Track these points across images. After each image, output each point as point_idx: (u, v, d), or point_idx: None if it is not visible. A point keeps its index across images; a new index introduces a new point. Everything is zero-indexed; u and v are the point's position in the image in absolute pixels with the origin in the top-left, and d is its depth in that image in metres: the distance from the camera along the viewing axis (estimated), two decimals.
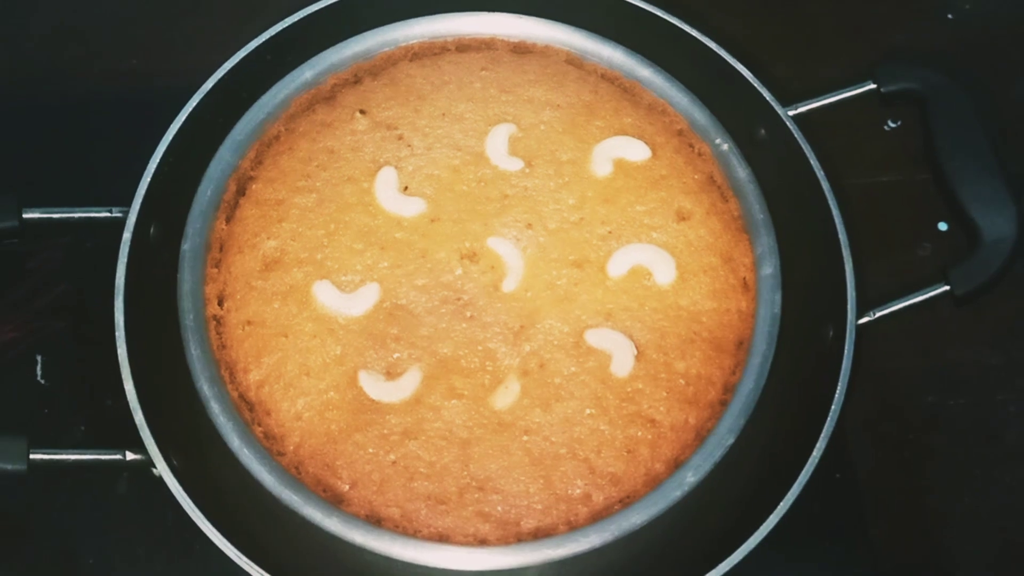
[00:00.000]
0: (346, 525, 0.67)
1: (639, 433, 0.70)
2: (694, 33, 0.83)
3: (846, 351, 0.74)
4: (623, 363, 0.71)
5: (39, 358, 0.82)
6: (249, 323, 0.73)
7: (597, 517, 0.68)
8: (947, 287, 0.77)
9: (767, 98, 0.81)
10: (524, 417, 0.70)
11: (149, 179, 0.77)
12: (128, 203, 0.76)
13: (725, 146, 0.79)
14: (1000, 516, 0.80)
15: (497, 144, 0.77)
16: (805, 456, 0.71)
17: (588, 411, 0.70)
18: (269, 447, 0.70)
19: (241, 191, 0.77)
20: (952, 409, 0.83)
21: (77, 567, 0.76)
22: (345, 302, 0.72)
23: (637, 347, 0.72)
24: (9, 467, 0.70)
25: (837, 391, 0.73)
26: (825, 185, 0.78)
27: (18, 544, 0.77)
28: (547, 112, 0.78)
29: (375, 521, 0.68)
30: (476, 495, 0.68)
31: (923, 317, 0.82)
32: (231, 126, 0.78)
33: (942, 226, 0.88)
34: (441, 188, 0.76)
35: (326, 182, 0.76)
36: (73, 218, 0.78)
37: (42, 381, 0.81)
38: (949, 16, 0.98)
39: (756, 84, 0.81)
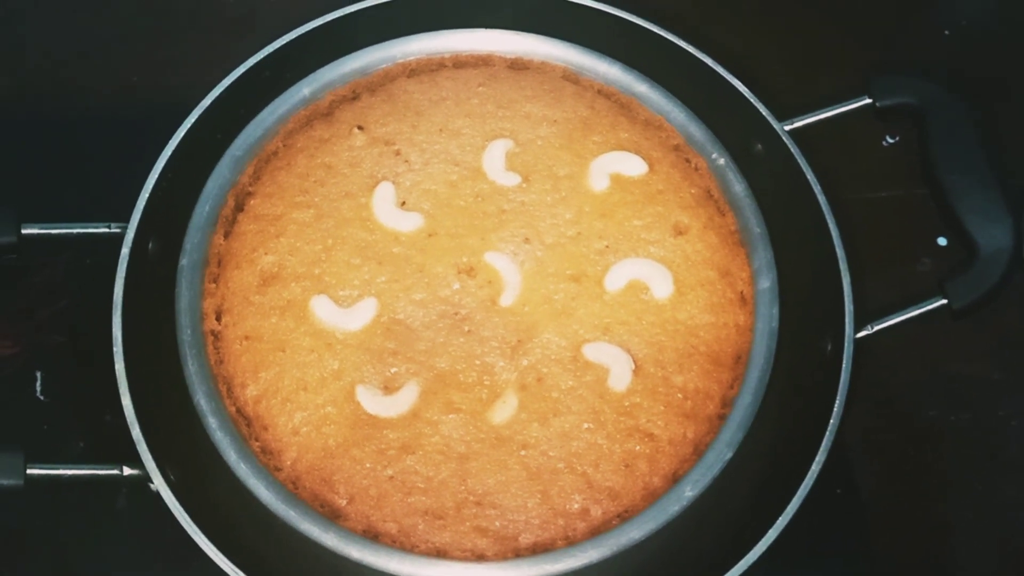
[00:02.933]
0: (343, 540, 0.67)
1: (637, 447, 0.70)
2: (690, 49, 0.83)
3: (844, 364, 0.73)
4: (621, 377, 0.71)
5: (38, 374, 0.82)
6: (247, 338, 0.73)
7: (595, 532, 0.68)
8: (944, 300, 0.77)
9: (763, 113, 0.81)
10: (522, 431, 0.70)
11: (148, 194, 0.77)
12: (127, 218, 0.76)
13: (722, 160, 0.79)
14: (1003, 531, 0.80)
15: (494, 159, 0.77)
16: (804, 470, 0.71)
17: (586, 425, 0.70)
18: (266, 462, 0.70)
19: (239, 206, 0.77)
20: (953, 424, 0.83)
21: None
22: (343, 317, 0.72)
23: (635, 361, 0.71)
24: (5, 482, 0.70)
25: (836, 404, 0.72)
26: (822, 199, 0.78)
27: (16, 560, 0.77)
28: (544, 127, 0.79)
29: (372, 536, 0.68)
30: (474, 510, 0.68)
31: (923, 331, 0.82)
32: (230, 142, 0.78)
33: (941, 241, 0.88)
34: (439, 203, 0.76)
35: (324, 197, 0.76)
36: (72, 234, 0.78)
37: (41, 397, 0.81)
38: (946, 32, 0.98)
39: (752, 99, 0.81)
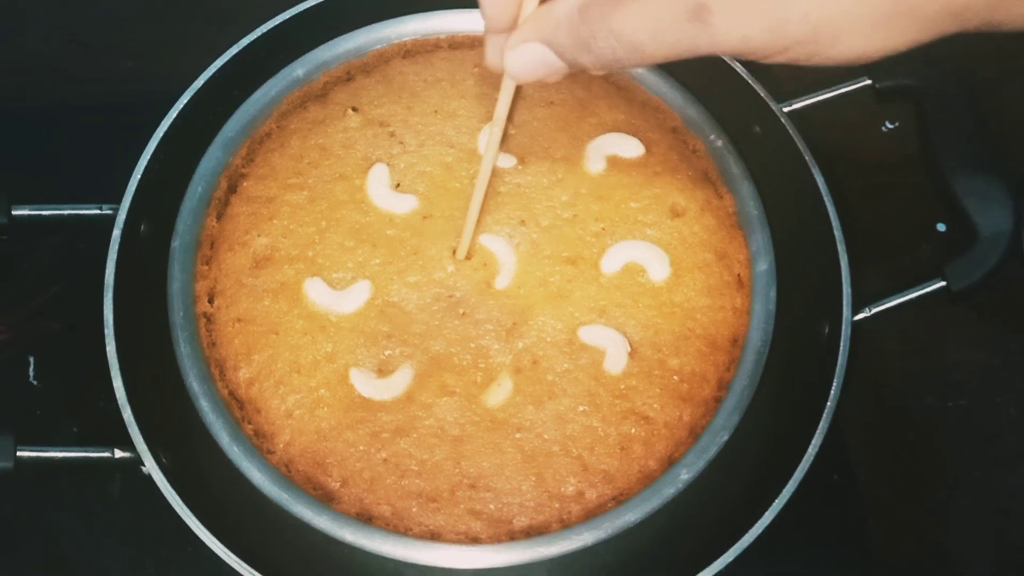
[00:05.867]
0: (336, 523, 0.67)
1: (633, 430, 0.69)
2: None
3: (841, 347, 0.73)
4: (617, 360, 0.71)
5: (31, 359, 0.81)
6: (239, 320, 0.72)
7: (590, 515, 0.68)
8: (943, 283, 0.77)
9: (761, 94, 0.81)
10: (517, 414, 0.69)
11: (139, 176, 0.76)
12: (118, 200, 0.76)
13: (720, 142, 0.79)
14: (1000, 518, 0.79)
15: None
16: (800, 454, 0.71)
17: (581, 408, 0.69)
18: (259, 445, 0.69)
19: (232, 188, 0.77)
20: (951, 410, 0.83)
21: (68, 568, 0.76)
22: (336, 299, 0.72)
23: (631, 344, 0.71)
24: None
25: (833, 387, 0.72)
26: (820, 181, 0.78)
27: (7, 543, 0.76)
28: (540, 109, 0.78)
29: (366, 519, 0.67)
30: (468, 493, 0.68)
31: (921, 317, 0.81)
32: (223, 123, 0.78)
33: (940, 227, 0.88)
34: (433, 185, 0.75)
35: (318, 179, 0.76)
36: (63, 215, 0.78)
37: (35, 382, 0.81)
38: None
39: (750, 80, 0.81)
